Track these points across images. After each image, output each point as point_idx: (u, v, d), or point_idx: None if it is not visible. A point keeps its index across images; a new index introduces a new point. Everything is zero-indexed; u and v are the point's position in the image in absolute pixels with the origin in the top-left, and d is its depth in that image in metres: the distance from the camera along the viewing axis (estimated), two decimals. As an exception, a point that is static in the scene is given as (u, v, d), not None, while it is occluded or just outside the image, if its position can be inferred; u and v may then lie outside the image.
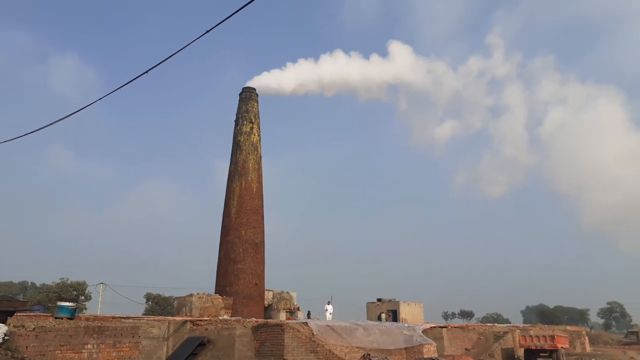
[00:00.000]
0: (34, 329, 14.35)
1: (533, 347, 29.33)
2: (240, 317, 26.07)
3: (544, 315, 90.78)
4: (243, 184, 35.53)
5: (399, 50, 55.26)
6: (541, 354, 29.47)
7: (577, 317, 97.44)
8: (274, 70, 42.50)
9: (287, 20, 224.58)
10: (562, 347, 29.14)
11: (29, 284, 72.36)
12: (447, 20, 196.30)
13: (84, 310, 37.83)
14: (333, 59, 48.94)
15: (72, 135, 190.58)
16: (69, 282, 48.36)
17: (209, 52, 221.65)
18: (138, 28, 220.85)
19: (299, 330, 18.85)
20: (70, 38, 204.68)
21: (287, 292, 37.03)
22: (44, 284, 57.35)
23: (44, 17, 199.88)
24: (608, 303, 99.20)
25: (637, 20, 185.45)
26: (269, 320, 26.49)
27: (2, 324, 12.65)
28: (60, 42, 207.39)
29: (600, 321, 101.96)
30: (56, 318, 16.97)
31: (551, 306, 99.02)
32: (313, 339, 19.08)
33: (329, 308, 35.02)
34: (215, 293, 32.85)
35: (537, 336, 29.93)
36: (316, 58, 48.60)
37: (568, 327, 46.96)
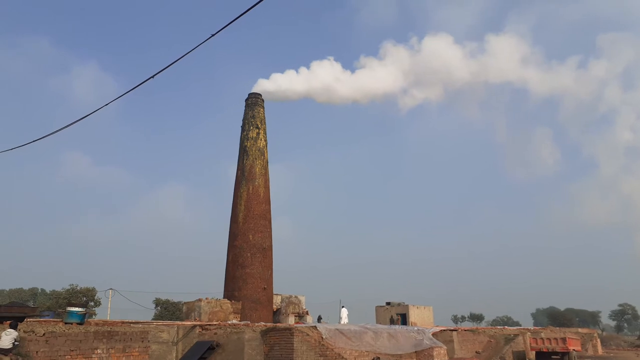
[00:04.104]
0: (44, 334, 14.37)
1: (544, 350, 29.01)
2: (249, 322, 26.05)
3: (554, 317, 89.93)
4: (250, 189, 35.61)
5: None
6: (553, 357, 29.14)
7: (589, 319, 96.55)
8: (292, 71, 43.36)
9: (301, 23, 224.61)
10: (574, 350, 28.80)
11: (39, 290, 72.82)
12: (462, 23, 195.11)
13: (93, 316, 37.97)
14: (332, 66, 49.77)
15: (88, 142, 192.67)
16: (78, 288, 48.56)
17: (222, 57, 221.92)
18: (153, 36, 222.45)
19: (308, 334, 18.78)
20: (89, 47, 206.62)
21: (296, 296, 36.98)
22: (53, 291, 57.58)
23: (65, 27, 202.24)
24: (619, 305, 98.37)
25: None
26: (277, 324, 26.45)
27: (13, 330, 12.69)
28: (81, 51, 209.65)
29: (612, 323, 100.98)
30: (66, 323, 17.01)
31: (562, 308, 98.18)
32: (322, 342, 19.00)
33: (344, 311, 34.31)
34: (224, 298, 32.89)
35: (548, 339, 29.59)
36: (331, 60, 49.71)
37: (579, 330, 46.51)
